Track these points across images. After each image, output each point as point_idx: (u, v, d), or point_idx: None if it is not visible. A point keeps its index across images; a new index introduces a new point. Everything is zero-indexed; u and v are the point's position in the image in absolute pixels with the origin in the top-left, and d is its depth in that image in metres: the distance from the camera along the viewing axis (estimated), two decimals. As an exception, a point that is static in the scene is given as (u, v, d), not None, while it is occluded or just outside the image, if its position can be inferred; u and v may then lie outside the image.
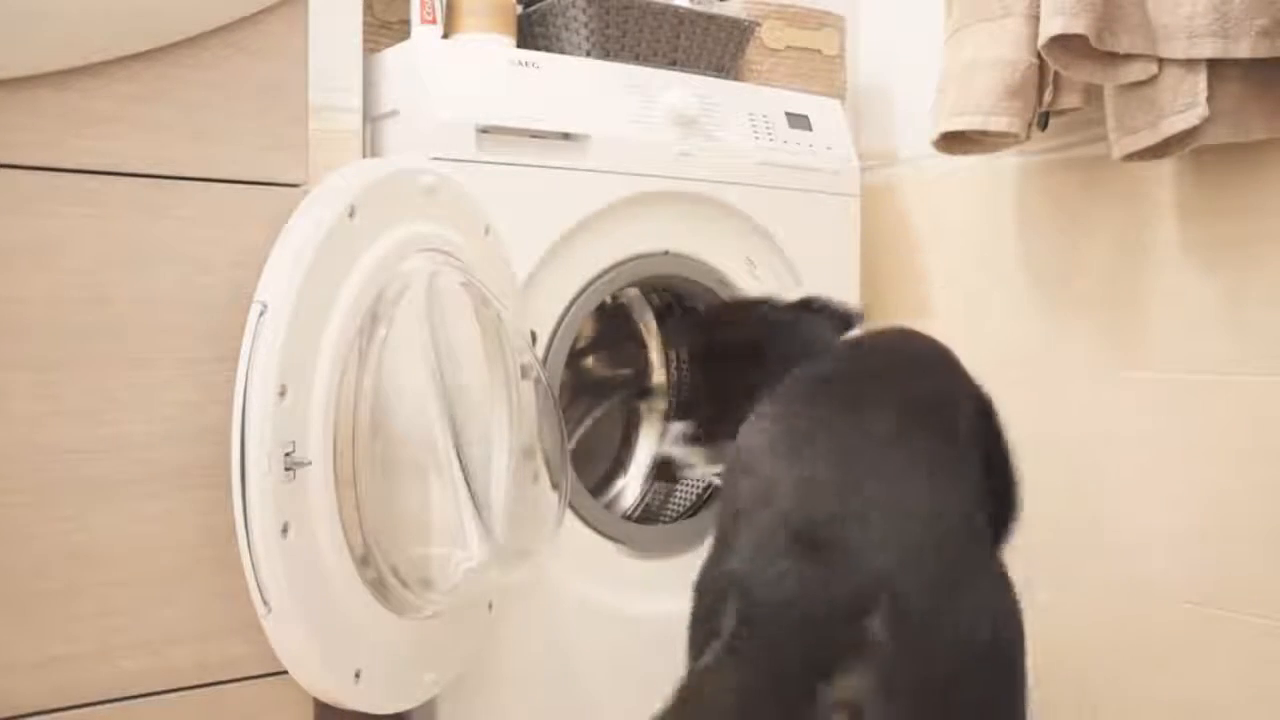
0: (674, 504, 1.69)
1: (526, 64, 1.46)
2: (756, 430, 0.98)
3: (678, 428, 1.48)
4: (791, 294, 1.43)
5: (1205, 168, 1.43)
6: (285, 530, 0.99)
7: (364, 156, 1.45)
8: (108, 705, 0.99)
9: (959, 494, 0.92)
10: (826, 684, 0.81)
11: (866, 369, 1.07)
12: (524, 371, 1.28)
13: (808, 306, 1.33)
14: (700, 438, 1.43)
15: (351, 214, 1.06)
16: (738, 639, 0.84)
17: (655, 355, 1.77)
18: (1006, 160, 1.68)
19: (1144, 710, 1.50)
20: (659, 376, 1.76)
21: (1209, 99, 1.27)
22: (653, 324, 1.76)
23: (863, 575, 0.82)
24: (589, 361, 1.79)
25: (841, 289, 1.72)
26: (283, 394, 0.99)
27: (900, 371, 1.06)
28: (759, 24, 1.73)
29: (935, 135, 1.53)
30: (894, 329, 1.21)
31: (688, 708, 0.85)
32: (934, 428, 0.98)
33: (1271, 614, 1.36)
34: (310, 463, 1.01)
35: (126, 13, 0.98)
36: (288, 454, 1.00)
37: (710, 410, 1.36)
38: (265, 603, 1.00)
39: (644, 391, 1.77)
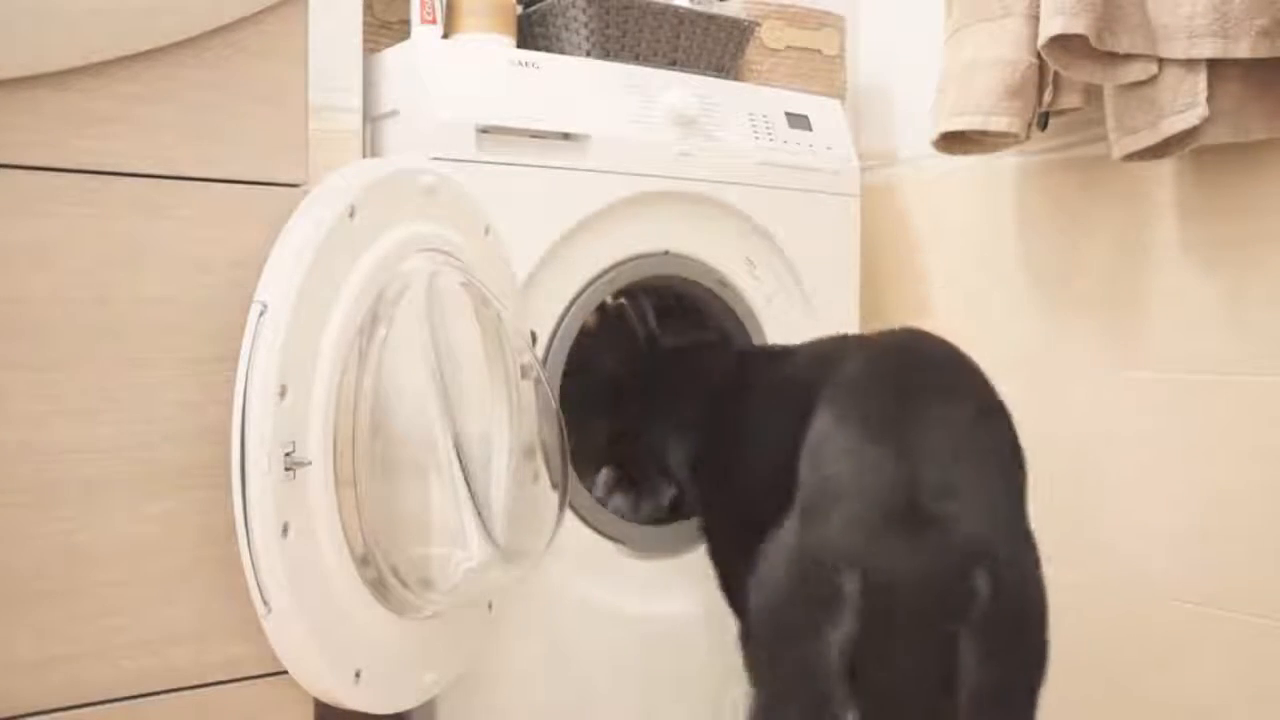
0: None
1: (526, 64, 1.46)
2: (833, 422, 1.05)
3: (603, 475, 1.58)
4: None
5: (1205, 168, 1.43)
6: (285, 530, 0.99)
7: (364, 156, 1.45)
8: (107, 705, 0.99)
9: (1012, 440, 1.06)
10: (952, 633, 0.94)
11: (902, 365, 1.13)
12: (524, 371, 1.28)
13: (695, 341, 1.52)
14: (621, 481, 1.50)
15: (351, 214, 1.06)
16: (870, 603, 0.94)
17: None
18: (1006, 160, 1.68)
19: (1143, 710, 1.50)
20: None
21: (1209, 99, 1.27)
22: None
23: (966, 542, 0.94)
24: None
25: (841, 289, 1.72)
26: (283, 394, 0.99)
27: (933, 369, 1.14)
28: (759, 24, 1.73)
29: (935, 135, 1.53)
30: (904, 330, 1.27)
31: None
32: (969, 383, 1.11)
33: (1271, 614, 1.36)
34: (310, 463, 1.01)
35: (126, 13, 0.98)
36: (288, 454, 1.00)
37: (618, 453, 1.48)
38: (265, 603, 1.00)
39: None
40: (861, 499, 0.97)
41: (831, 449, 1.03)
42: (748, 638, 1.08)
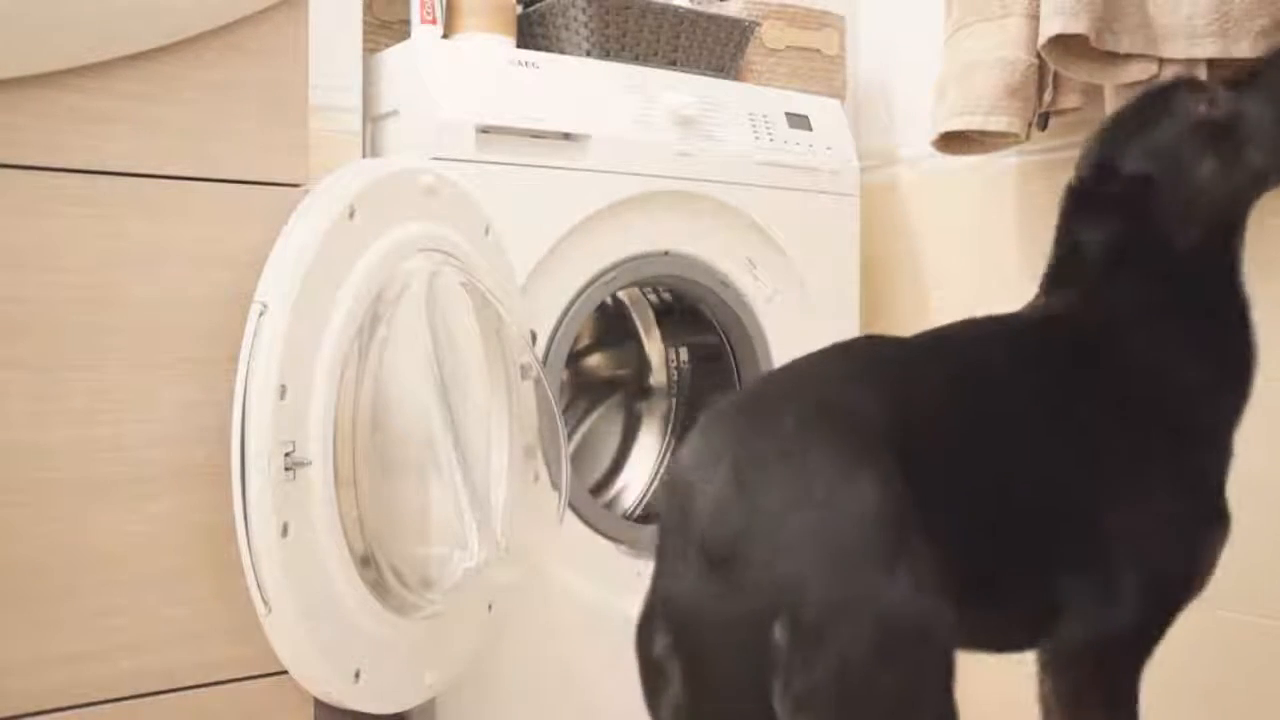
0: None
1: (526, 64, 1.46)
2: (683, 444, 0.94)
3: None
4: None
5: (1205, 168, 1.43)
6: (285, 530, 0.99)
7: (364, 156, 1.45)
8: (107, 705, 0.99)
9: (873, 478, 0.87)
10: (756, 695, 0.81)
11: (770, 379, 1.05)
12: (524, 371, 1.28)
13: None
14: None
15: (351, 214, 1.06)
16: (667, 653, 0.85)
17: (655, 355, 1.77)
18: (1006, 160, 1.68)
19: (1144, 711, 1.50)
20: (659, 376, 1.76)
21: (1209, 99, 1.27)
22: (653, 324, 1.77)
23: (763, 594, 0.81)
24: (589, 361, 1.80)
25: (841, 289, 1.72)
26: (283, 394, 0.99)
27: (804, 377, 0.99)
28: (759, 24, 1.73)
29: (935, 135, 1.53)
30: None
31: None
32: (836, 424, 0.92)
33: (1272, 614, 1.36)
34: (310, 463, 1.01)
35: (126, 13, 0.98)
36: (288, 454, 1.00)
37: None
38: (265, 603, 1.00)
39: (644, 391, 1.77)
40: (667, 544, 0.86)
41: (665, 480, 0.97)
42: None
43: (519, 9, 1.58)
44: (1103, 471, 1.01)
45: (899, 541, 0.83)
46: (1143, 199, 1.05)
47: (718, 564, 0.82)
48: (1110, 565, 1.02)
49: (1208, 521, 1.07)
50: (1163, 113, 1.06)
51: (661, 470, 0.96)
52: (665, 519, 0.89)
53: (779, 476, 0.84)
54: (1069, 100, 1.46)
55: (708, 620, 0.82)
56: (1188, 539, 1.06)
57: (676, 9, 1.61)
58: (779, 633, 0.79)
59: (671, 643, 0.84)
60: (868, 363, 1.01)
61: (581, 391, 1.77)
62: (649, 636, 0.86)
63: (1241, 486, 1.40)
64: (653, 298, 1.75)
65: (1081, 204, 1.08)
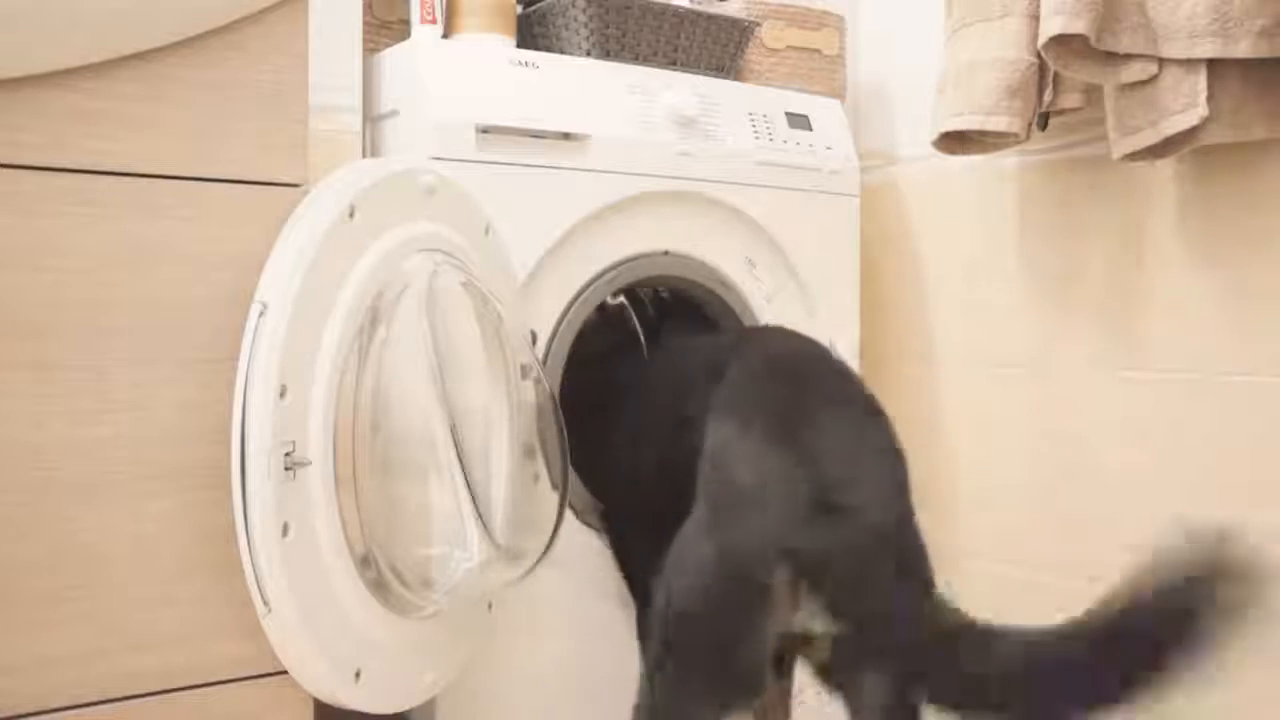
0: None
1: (526, 64, 1.46)
2: (733, 429, 1.10)
3: None
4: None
5: (1205, 168, 1.43)
6: (285, 530, 0.99)
7: (364, 156, 1.45)
8: (107, 705, 0.99)
9: (890, 430, 1.14)
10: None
11: (790, 372, 1.20)
12: (524, 371, 1.28)
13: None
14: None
15: (351, 214, 1.06)
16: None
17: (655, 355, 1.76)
18: (1006, 160, 1.68)
19: (1144, 711, 1.50)
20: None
21: (1209, 99, 1.27)
22: (653, 324, 1.76)
23: (874, 527, 1.02)
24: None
25: (841, 289, 1.72)
26: (283, 394, 0.99)
27: (816, 375, 1.21)
28: (759, 24, 1.73)
29: (935, 135, 1.53)
30: (776, 332, 1.40)
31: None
32: (846, 387, 1.19)
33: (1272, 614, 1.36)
34: (310, 463, 1.01)
35: (126, 13, 0.98)
36: (288, 454, 1.00)
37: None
38: (265, 603, 1.00)
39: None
40: (775, 500, 1.02)
41: (735, 456, 1.07)
42: (657, 631, 1.10)
43: (519, 9, 1.58)
44: None
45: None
46: None
47: (830, 513, 1.00)
48: None
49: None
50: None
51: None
52: (754, 477, 1.05)
53: (862, 450, 1.08)
54: (1069, 100, 1.46)
55: (829, 551, 0.99)
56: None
57: (676, 9, 1.61)
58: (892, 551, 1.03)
59: (791, 575, 0.99)
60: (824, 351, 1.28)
61: (581, 391, 1.77)
62: (755, 570, 1.00)
63: (1242, 487, 1.40)
64: (653, 298, 1.75)
65: None
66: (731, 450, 1.08)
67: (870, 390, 1.19)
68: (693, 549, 1.05)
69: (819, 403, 1.12)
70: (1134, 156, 1.37)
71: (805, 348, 1.29)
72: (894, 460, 1.10)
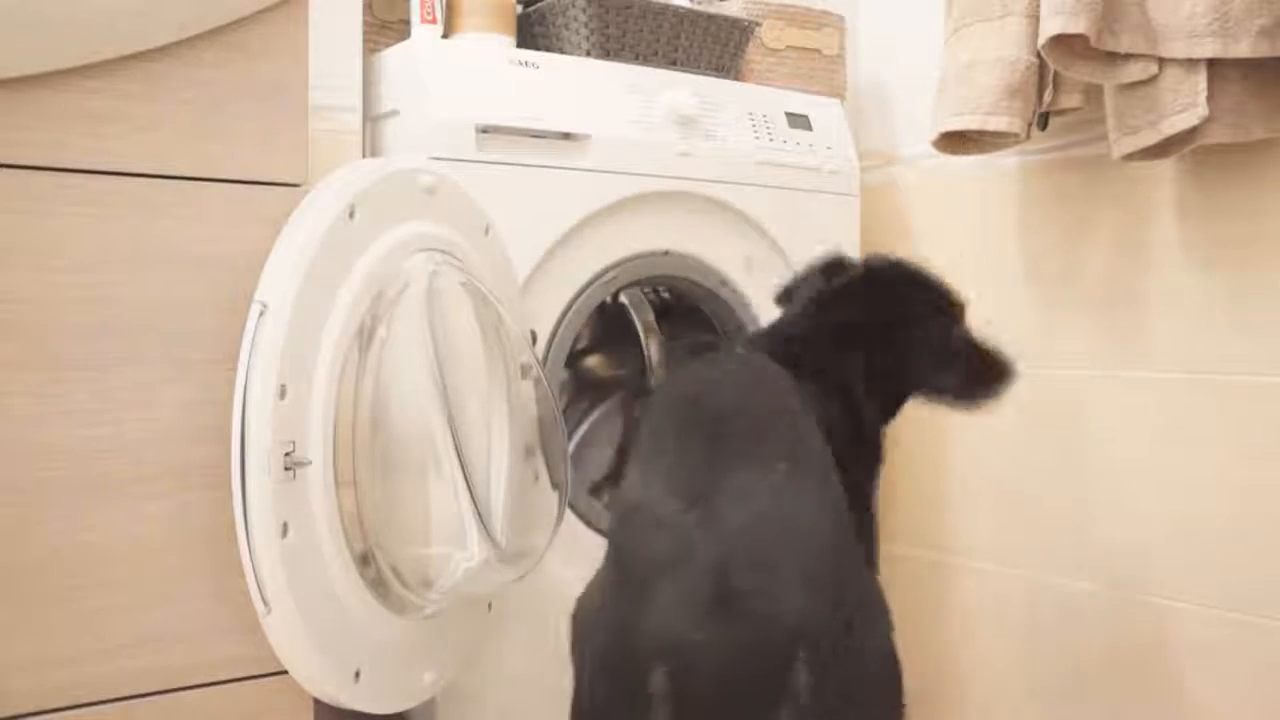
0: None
1: (526, 64, 1.46)
2: (639, 478, 0.97)
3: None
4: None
5: (1205, 168, 1.43)
6: (285, 530, 0.99)
7: (364, 156, 1.45)
8: (107, 705, 0.99)
9: (831, 498, 0.95)
10: None
11: (709, 410, 1.03)
12: (524, 371, 1.28)
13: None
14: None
15: (351, 214, 1.06)
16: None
17: (655, 355, 1.77)
18: (1006, 160, 1.68)
19: (1144, 710, 1.50)
20: (659, 377, 1.76)
21: (1209, 99, 1.27)
22: (653, 324, 1.76)
23: (781, 627, 0.84)
24: (589, 361, 1.80)
25: (841, 289, 1.72)
26: (283, 394, 0.99)
27: (740, 413, 1.03)
28: (759, 24, 1.73)
29: (935, 135, 1.53)
30: (717, 358, 1.25)
31: None
32: (783, 437, 1.00)
33: (1273, 614, 1.36)
34: (310, 463, 1.01)
35: (126, 13, 0.98)
36: (288, 454, 1.00)
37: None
38: (265, 603, 1.00)
39: (644, 391, 1.77)
40: (667, 581, 0.86)
41: (634, 515, 0.95)
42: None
43: (519, 9, 1.58)
44: None
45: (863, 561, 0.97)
46: None
47: (725, 600, 0.84)
48: None
49: None
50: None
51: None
52: (651, 553, 0.89)
53: (782, 519, 0.90)
54: (1069, 100, 1.46)
55: (718, 654, 0.84)
56: None
57: (676, 9, 1.61)
58: (801, 672, 0.83)
59: (670, 675, 0.84)
60: (778, 376, 1.09)
61: (581, 391, 1.77)
62: (637, 669, 0.85)
63: (1242, 486, 1.40)
64: (653, 298, 1.75)
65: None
66: (631, 506, 0.96)
67: (817, 442, 1.00)
68: (587, 625, 0.94)
69: (734, 457, 0.94)
70: (1134, 156, 1.37)
71: (733, 376, 1.10)
72: (828, 521, 0.92)
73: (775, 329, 1.27)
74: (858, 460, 1.16)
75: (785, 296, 1.34)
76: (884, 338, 1.23)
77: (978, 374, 1.26)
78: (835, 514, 0.93)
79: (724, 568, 0.85)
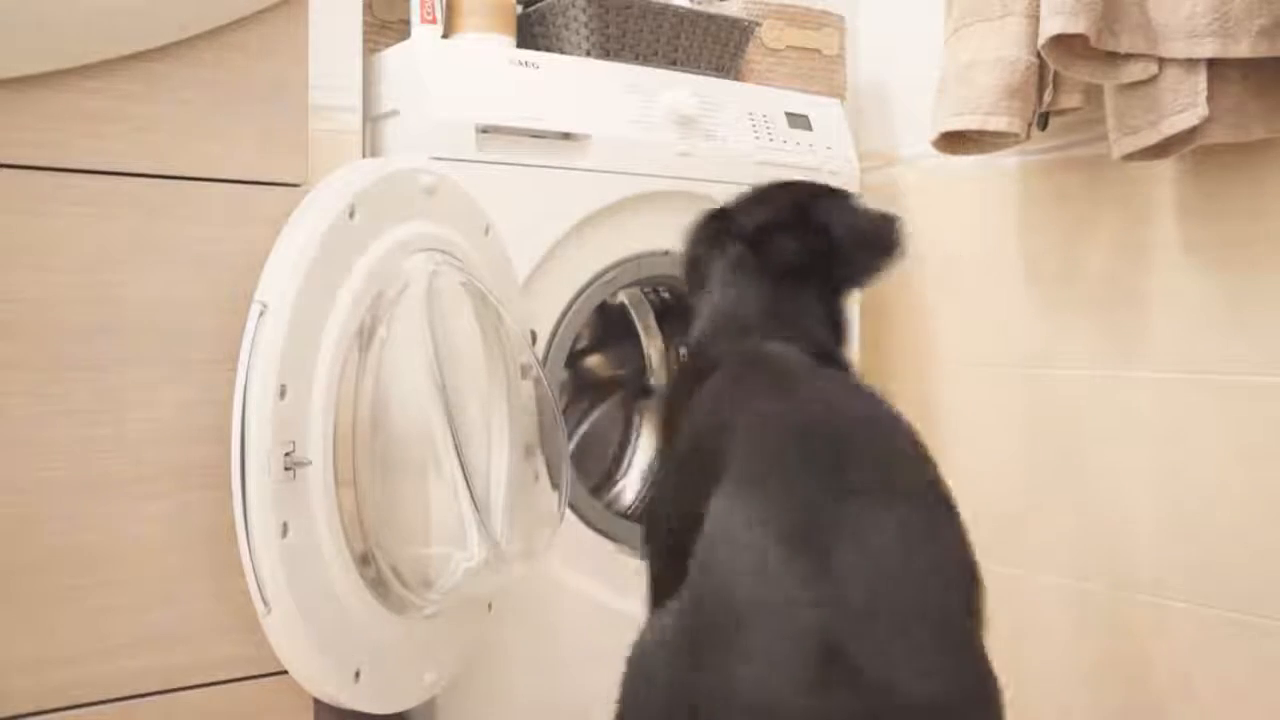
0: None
1: (526, 64, 1.46)
2: (737, 509, 0.82)
3: None
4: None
5: (1205, 168, 1.43)
6: (285, 530, 0.99)
7: (364, 156, 1.45)
8: (107, 705, 0.99)
9: (968, 592, 0.81)
10: None
11: (829, 440, 0.87)
12: (524, 371, 1.28)
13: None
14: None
15: (351, 214, 1.06)
16: None
17: (655, 355, 1.77)
18: (1006, 160, 1.68)
19: (1144, 710, 1.50)
20: (659, 376, 1.76)
21: (1209, 99, 1.27)
22: (653, 324, 1.76)
23: (900, 711, 0.73)
24: (589, 361, 1.80)
25: (841, 289, 1.72)
26: (283, 394, 0.99)
27: (867, 449, 0.87)
28: (759, 24, 1.73)
29: (935, 135, 1.53)
30: (828, 383, 1.02)
31: None
32: (912, 468, 0.86)
33: (1272, 614, 1.36)
34: (310, 463, 1.01)
35: (126, 13, 0.98)
36: (288, 454, 1.00)
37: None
38: (265, 603, 1.00)
39: (644, 391, 1.77)
40: (765, 635, 0.74)
41: (732, 549, 0.79)
42: None
43: (519, 9, 1.58)
44: None
45: None
46: None
47: (836, 677, 0.72)
48: None
49: None
50: None
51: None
52: (747, 598, 0.76)
53: (908, 577, 0.76)
54: (1069, 100, 1.46)
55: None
56: None
57: (676, 9, 1.61)
58: None
59: None
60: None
61: (581, 391, 1.77)
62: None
63: (1242, 486, 1.40)
64: (653, 298, 1.75)
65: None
66: (728, 542, 0.80)
67: (938, 475, 0.87)
68: (654, 675, 0.84)
69: (858, 495, 0.80)
70: (1134, 156, 1.37)
71: (855, 409, 0.93)
72: (957, 585, 0.78)
73: (786, 318, 1.11)
74: None
75: (693, 268, 1.22)
76: (833, 258, 1.16)
77: (879, 233, 1.19)
78: (967, 567, 0.80)
79: (832, 624, 0.73)
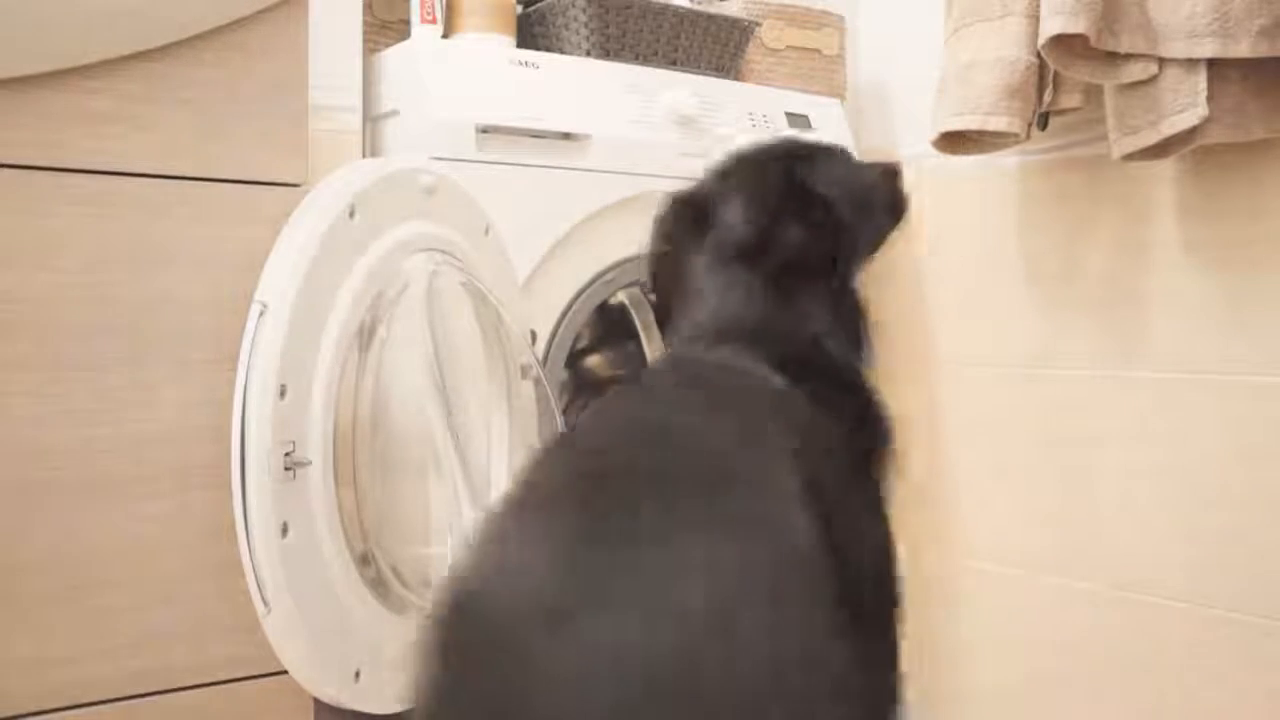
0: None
1: (526, 64, 1.46)
2: (512, 527, 0.67)
3: None
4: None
5: (1205, 168, 1.43)
6: (285, 530, 0.99)
7: (364, 156, 1.45)
8: (107, 705, 0.99)
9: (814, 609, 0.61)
10: None
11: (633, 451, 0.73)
12: (524, 371, 1.28)
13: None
14: None
15: (351, 214, 1.06)
16: None
17: (655, 355, 1.77)
18: (1006, 160, 1.68)
19: (1144, 710, 1.50)
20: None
21: (1209, 99, 1.27)
22: (653, 324, 1.76)
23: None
24: (589, 361, 1.79)
25: (841, 289, 1.72)
26: (283, 394, 0.99)
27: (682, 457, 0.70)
28: (759, 24, 1.73)
29: (935, 135, 1.53)
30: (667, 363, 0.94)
31: None
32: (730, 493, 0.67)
33: (1271, 614, 1.36)
34: (310, 462, 1.01)
35: (127, 13, 0.98)
36: (288, 454, 1.00)
37: None
38: (265, 603, 1.00)
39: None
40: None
41: (482, 602, 0.62)
42: None
43: (519, 9, 1.58)
44: None
45: None
46: None
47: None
48: None
49: None
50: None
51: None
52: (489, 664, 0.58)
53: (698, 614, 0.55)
54: (1069, 100, 1.46)
55: None
56: None
57: (676, 9, 1.61)
58: None
59: None
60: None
61: (581, 391, 1.77)
62: None
63: (1242, 486, 1.40)
64: (653, 298, 1.75)
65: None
66: (477, 582, 0.64)
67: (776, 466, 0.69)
68: None
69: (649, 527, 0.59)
70: (1134, 156, 1.37)
71: (686, 436, 0.73)
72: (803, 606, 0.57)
73: (781, 322, 0.99)
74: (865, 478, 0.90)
75: (662, 266, 1.08)
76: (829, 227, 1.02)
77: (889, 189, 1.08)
78: (809, 574, 0.59)
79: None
